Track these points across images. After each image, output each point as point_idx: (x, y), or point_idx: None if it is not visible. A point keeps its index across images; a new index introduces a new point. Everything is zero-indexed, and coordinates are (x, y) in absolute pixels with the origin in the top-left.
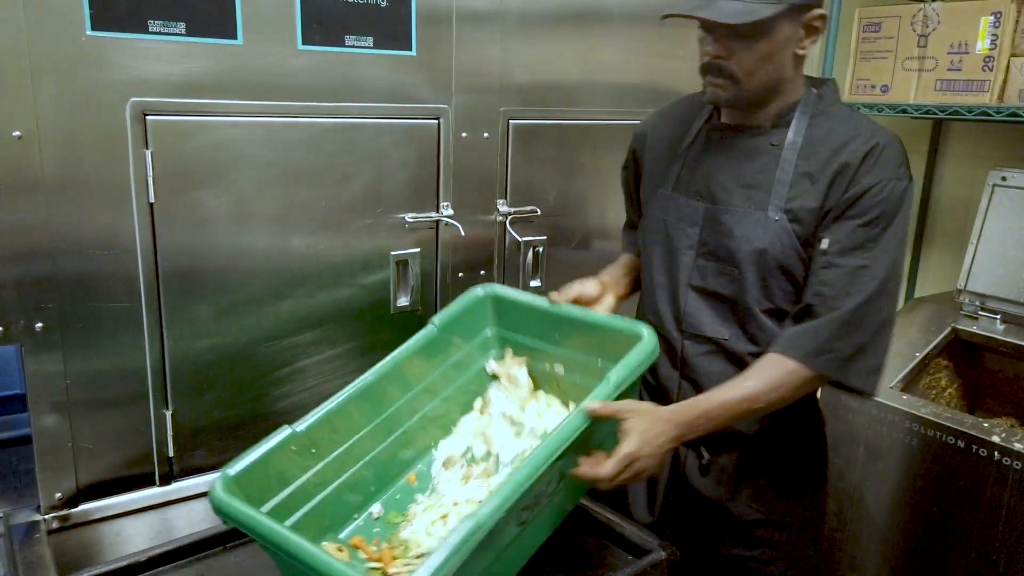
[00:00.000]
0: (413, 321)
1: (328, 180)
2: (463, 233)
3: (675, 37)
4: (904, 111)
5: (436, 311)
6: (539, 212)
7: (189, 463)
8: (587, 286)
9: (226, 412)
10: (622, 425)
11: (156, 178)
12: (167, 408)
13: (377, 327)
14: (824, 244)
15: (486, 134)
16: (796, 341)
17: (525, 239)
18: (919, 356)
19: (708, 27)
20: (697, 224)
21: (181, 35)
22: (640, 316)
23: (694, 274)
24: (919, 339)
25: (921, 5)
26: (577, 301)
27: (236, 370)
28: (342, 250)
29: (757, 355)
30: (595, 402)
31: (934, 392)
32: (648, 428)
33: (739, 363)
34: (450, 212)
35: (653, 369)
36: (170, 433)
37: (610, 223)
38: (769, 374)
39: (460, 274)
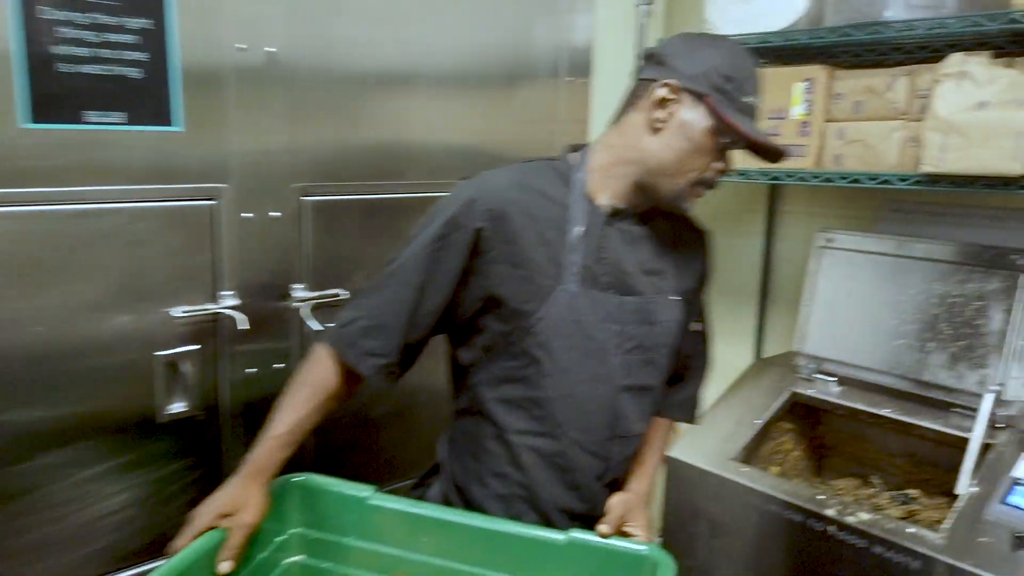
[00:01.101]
0: (192, 428)
1: (73, 274)
2: (244, 325)
3: (493, 99)
4: (728, 175)
5: (219, 416)
6: (344, 295)
7: None
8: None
9: None
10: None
11: None
12: None
13: (142, 440)
14: (695, 325)
15: (275, 213)
16: (685, 405)
17: (330, 326)
18: (759, 423)
19: (767, 155)
20: (621, 320)
21: None
22: (519, 433)
23: (624, 373)
24: (760, 404)
25: None
26: None
27: None
28: (95, 353)
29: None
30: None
31: (780, 456)
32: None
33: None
34: (234, 302)
35: (573, 482)
36: None
37: None
38: (664, 436)
39: (250, 370)
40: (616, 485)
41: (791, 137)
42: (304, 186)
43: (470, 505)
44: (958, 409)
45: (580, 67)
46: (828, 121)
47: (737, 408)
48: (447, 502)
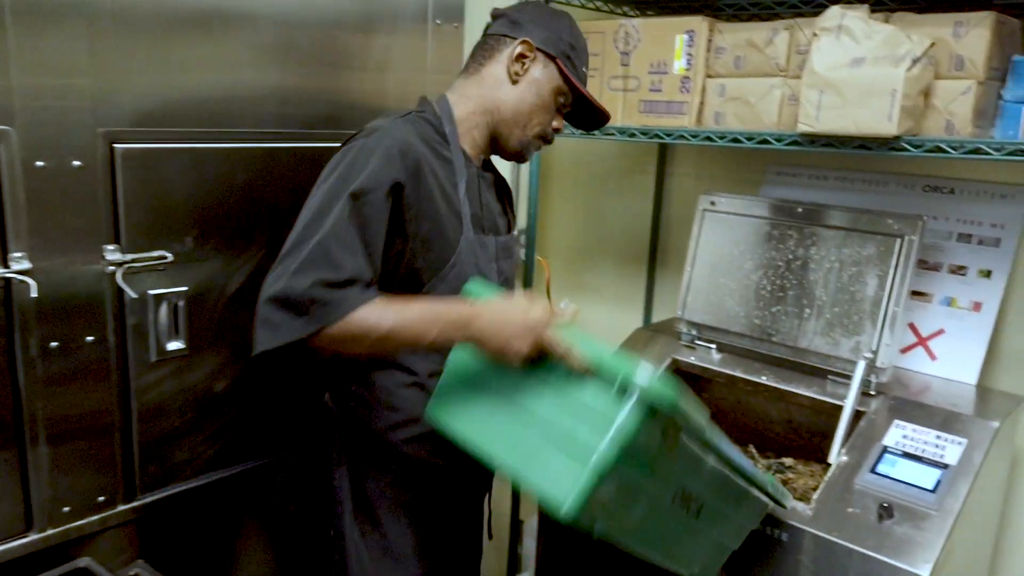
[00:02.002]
0: None
1: None
2: (34, 293)
3: (348, 43)
4: (611, 134)
5: (20, 401)
6: (170, 258)
7: None
8: None
9: None
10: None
11: None
12: None
13: None
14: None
15: (77, 162)
16: None
17: (155, 292)
18: None
19: (593, 123)
20: (497, 258)
21: None
22: (432, 376)
23: None
24: None
25: (623, 21)
26: None
27: None
28: None
29: None
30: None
31: None
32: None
33: None
34: (24, 266)
35: None
36: None
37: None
38: None
39: (53, 344)
40: None
41: (672, 93)
42: (113, 131)
43: (382, 455)
44: (834, 376)
45: (452, 10)
46: (710, 77)
47: None
48: (349, 462)
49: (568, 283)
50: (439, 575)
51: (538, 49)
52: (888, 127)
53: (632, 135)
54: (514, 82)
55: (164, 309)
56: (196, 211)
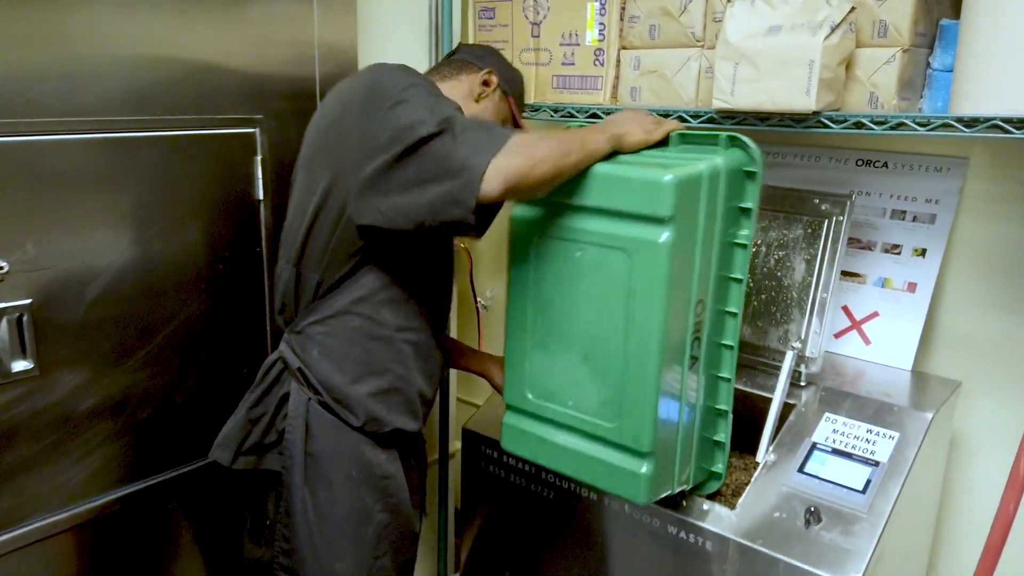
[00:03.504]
0: None
1: None
2: None
3: (217, 14)
4: (538, 109)
5: None
6: (6, 268)
7: None
8: None
9: None
10: None
11: None
12: None
13: None
14: None
15: None
16: None
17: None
18: None
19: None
20: None
21: None
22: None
23: None
24: None
25: None
26: None
27: None
28: None
29: None
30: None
31: None
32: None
33: None
34: None
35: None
36: None
37: (154, 260)
38: None
39: None
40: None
41: (586, 67)
42: None
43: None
44: (764, 368)
45: None
46: (624, 48)
47: None
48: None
49: (498, 270)
50: (390, 540)
51: (499, 85)
52: (806, 102)
53: (544, 112)
54: (476, 100)
55: (3, 326)
56: (36, 214)
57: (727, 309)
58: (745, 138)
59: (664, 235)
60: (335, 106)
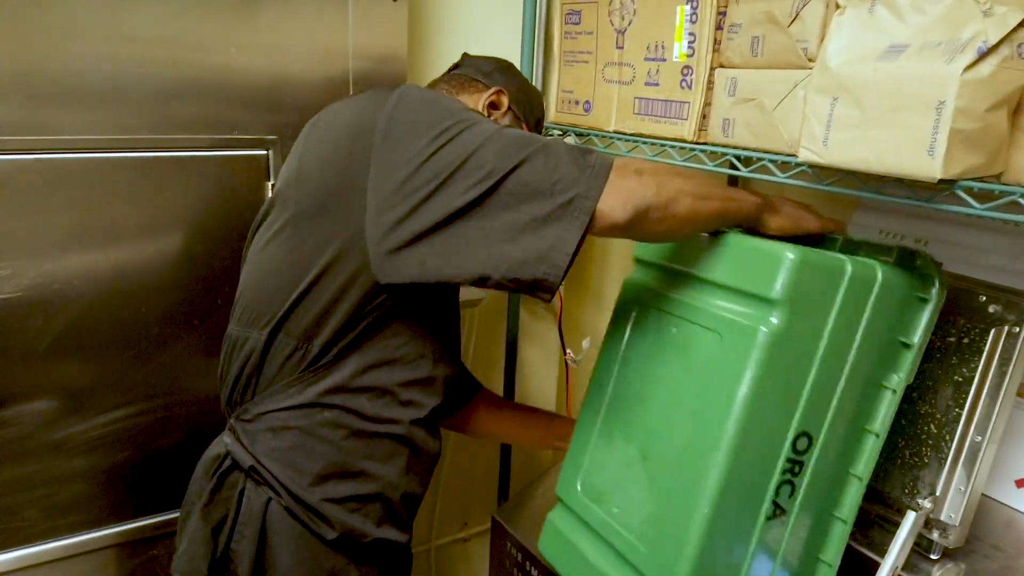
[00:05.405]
0: None
1: None
2: None
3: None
4: (610, 140)
5: None
6: None
7: None
8: None
9: None
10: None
11: None
12: None
13: None
14: None
15: None
16: None
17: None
18: None
19: None
20: None
21: None
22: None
23: None
24: None
25: None
26: None
27: None
28: None
29: None
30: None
31: None
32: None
33: None
34: None
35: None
36: None
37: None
38: None
39: None
40: None
41: (670, 89)
42: None
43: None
44: (880, 522)
45: None
46: (721, 67)
47: None
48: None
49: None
50: None
51: (511, 106)
52: (927, 165)
53: (614, 143)
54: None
55: None
56: (8, 236)
57: (851, 471)
58: (926, 254)
59: (767, 320)
60: (329, 144)
